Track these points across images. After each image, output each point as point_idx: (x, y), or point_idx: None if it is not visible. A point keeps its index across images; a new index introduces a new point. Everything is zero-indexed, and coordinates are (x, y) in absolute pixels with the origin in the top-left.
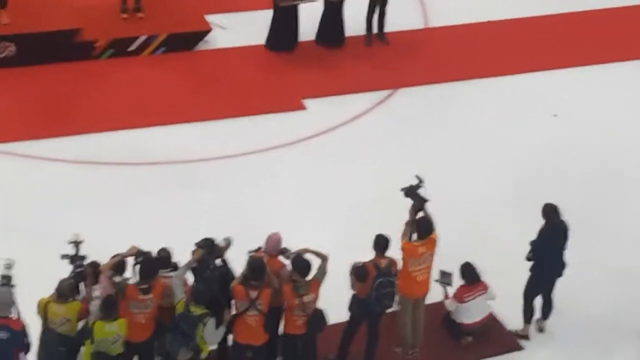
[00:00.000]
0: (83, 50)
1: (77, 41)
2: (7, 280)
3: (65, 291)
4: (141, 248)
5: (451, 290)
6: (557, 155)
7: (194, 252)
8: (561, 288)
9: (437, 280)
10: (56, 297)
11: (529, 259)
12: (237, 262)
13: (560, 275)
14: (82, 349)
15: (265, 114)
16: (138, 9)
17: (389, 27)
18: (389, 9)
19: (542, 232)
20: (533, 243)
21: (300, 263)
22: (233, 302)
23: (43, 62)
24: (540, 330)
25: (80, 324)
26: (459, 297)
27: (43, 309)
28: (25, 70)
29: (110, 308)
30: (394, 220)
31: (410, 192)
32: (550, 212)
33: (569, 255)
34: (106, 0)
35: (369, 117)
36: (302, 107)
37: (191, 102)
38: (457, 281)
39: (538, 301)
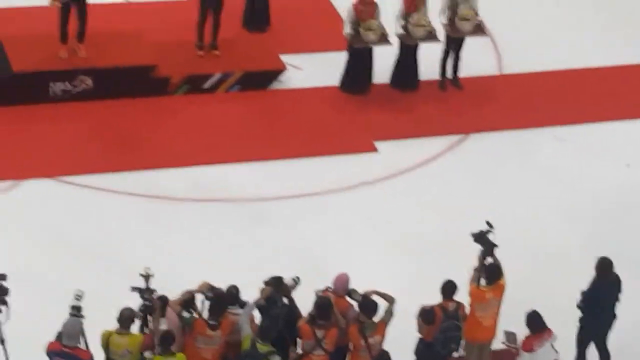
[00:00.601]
0: (158, 86)
1: (153, 77)
2: (76, 311)
3: (125, 319)
4: (212, 284)
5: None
6: (629, 205)
7: (262, 290)
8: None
9: (502, 342)
10: (118, 328)
11: (579, 307)
12: (304, 301)
13: (610, 327)
14: None
15: (336, 155)
16: (214, 47)
17: (463, 72)
18: (464, 53)
19: (595, 285)
20: (584, 294)
21: (368, 304)
22: (299, 340)
23: (119, 97)
24: None
25: (148, 355)
26: (528, 346)
27: (106, 341)
28: (101, 104)
29: (168, 343)
30: (462, 264)
31: (480, 237)
32: (605, 267)
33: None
34: (183, 37)
35: (440, 160)
36: (373, 149)
37: (263, 141)
38: (524, 331)
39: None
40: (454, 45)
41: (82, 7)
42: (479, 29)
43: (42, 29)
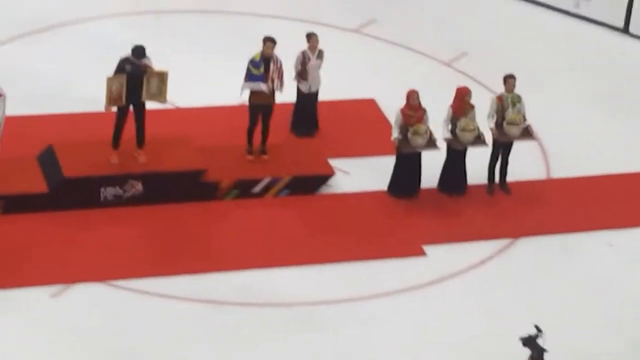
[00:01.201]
0: (208, 191)
1: (203, 181)
2: None
3: None
4: None
5: None
6: None
7: None
8: None
9: None
10: None
11: None
12: None
13: None
14: None
15: (384, 259)
16: (263, 152)
17: (511, 177)
18: (511, 158)
19: None
20: None
21: None
22: None
23: (168, 201)
24: None
25: None
26: None
27: None
28: (151, 209)
29: None
30: None
31: (529, 341)
32: None
33: None
34: (233, 141)
35: (488, 265)
36: (422, 253)
37: (311, 245)
38: None
39: None
40: (501, 149)
41: (141, 112)
42: (527, 133)
43: (91, 135)
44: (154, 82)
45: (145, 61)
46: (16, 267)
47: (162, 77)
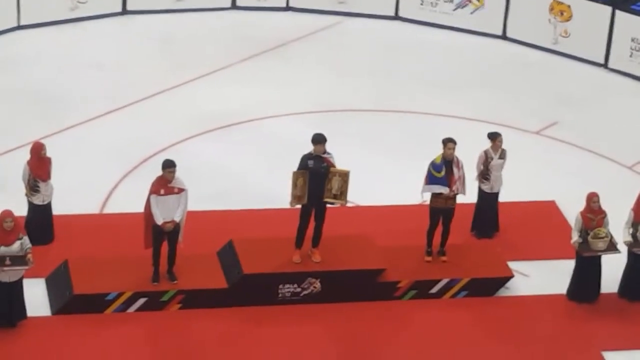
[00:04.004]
0: (385, 291)
1: (381, 281)
2: None
3: None
4: None
5: None
6: None
7: None
8: None
9: None
10: None
11: None
12: None
13: None
14: None
15: None
16: (443, 253)
17: None
18: None
19: None
20: None
21: None
22: None
23: (345, 300)
24: None
25: None
26: None
27: None
28: (328, 307)
29: None
30: None
31: None
32: None
33: None
34: (411, 242)
35: None
36: None
37: (488, 349)
38: None
39: None
40: None
41: (321, 212)
42: None
43: (269, 231)
44: (336, 182)
45: (326, 156)
46: None
47: (344, 176)
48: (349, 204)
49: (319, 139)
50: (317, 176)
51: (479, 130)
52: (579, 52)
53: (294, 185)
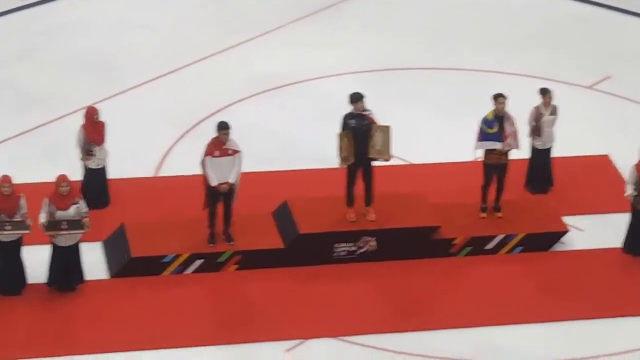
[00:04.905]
0: (441, 248)
1: (436, 238)
2: None
3: None
4: None
5: None
6: None
7: None
8: None
9: None
10: None
11: None
12: None
13: None
14: None
15: (618, 318)
16: (498, 209)
17: None
18: None
19: None
20: None
21: None
22: None
23: (401, 258)
24: None
25: None
26: None
27: None
28: (384, 265)
29: None
30: None
31: None
32: None
33: None
34: (466, 199)
35: None
36: None
37: (544, 303)
38: None
39: None
40: None
41: (368, 171)
42: None
43: (322, 191)
44: (379, 138)
45: (367, 113)
46: (252, 322)
47: (386, 131)
48: (400, 162)
49: (357, 97)
50: (360, 134)
51: (532, 85)
52: (633, 7)
53: (340, 146)
